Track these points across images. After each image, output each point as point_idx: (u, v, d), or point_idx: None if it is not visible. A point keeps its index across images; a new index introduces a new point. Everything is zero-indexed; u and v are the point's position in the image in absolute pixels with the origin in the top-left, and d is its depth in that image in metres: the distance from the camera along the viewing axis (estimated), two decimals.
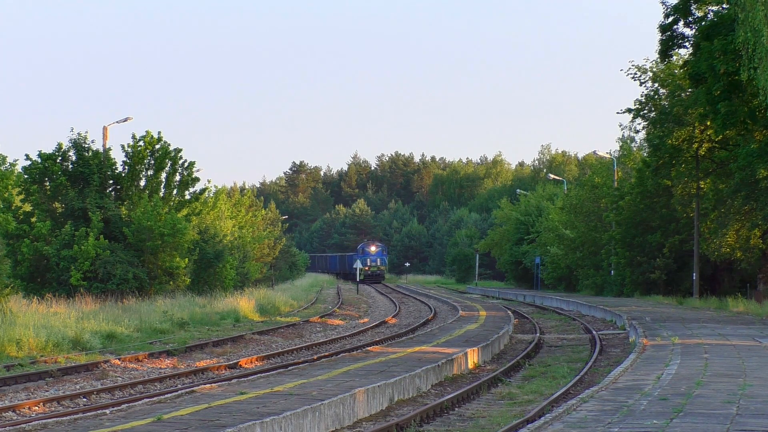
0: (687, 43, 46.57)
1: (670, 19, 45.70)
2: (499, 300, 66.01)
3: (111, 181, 46.59)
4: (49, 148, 44.95)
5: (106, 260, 42.62)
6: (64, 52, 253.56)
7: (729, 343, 25.08)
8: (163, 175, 47.51)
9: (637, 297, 56.25)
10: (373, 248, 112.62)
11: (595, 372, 23.17)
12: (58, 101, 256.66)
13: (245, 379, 19.73)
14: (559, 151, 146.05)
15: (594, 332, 34.38)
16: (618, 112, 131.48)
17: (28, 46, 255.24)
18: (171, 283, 45.57)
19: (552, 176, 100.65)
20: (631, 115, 54.61)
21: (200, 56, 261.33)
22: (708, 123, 46.12)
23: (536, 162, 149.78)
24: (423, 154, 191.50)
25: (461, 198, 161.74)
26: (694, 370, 18.86)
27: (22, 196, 45.17)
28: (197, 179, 48.63)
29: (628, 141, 72.71)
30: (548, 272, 76.00)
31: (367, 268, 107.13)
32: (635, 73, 54.06)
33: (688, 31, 46.23)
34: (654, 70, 53.96)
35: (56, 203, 45.00)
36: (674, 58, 50.82)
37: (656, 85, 54.02)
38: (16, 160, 55.23)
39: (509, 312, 46.39)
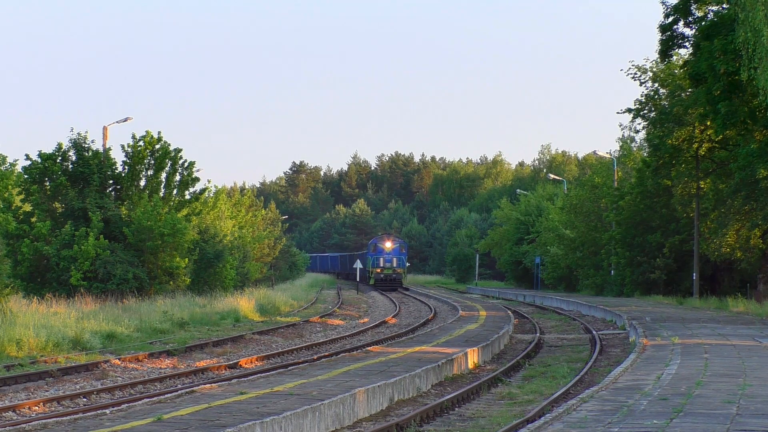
0: (687, 43, 46.61)
1: (670, 19, 45.72)
2: (499, 300, 65.99)
3: (111, 181, 46.59)
4: (49, 148, 45.03)
5: (106, 260, 42.62)
6: (64, 52, 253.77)
7: (729, 343, 25.08)
8: (163, 175, 47.50)
9: (637, 297, 56.25)
10: (388, 244, 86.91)
11: (595, 372, 23.16)
12: (58, 101, 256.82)
13: (245, 379, 19.72)
14: (559, 151, 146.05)
15: (594, 332, 34.38)
16: (618, 112, 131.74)
17: (28, 45, 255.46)
18: (171, 283, 45.56)
19: (552, 176, 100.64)
20: (631, 115, 54.70)
21: (200, 56, 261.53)
22: (708, 123, 46.12)
23: (536, 162, 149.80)
24: (423, 154, 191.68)
25: (461, 198, 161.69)
26: (694, 370, 18.86)
27: (22, 196, 45.16)
28: (197, 179, 48.64)
29: (628, 141, 72.77)
30: (548, 272, 76.02)
31: (379, 270, 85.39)
32: (635, 73, 54.16)
33: (688, 31, 46.31)
34: (654, 70, 54.00)
35: (56, 203, 44.99)
36: (674, 58, 50.85)
37: (656, 85, 54.07)
38: (16, 160, 55.32)
39: (509, 312, 46.39)
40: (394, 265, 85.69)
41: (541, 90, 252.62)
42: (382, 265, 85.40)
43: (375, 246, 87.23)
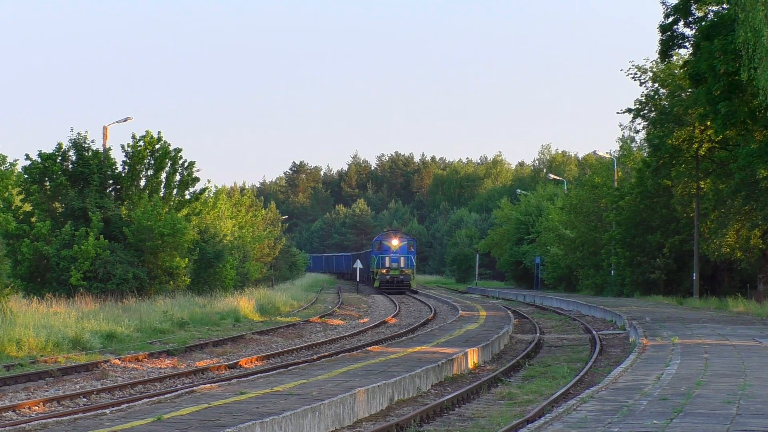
0: (687, 43, 46.59)
1: (670, 19, 45.71)
2: (499, 300, 65.98)
3: (111, 181, 46.56)
4: (49, 148, 44.97)
5: (106, 260, 42.61)
6: (64, 51, 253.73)
7: (729, 343, 25.08)
8: (163, 175, 47.46)
9: (637, 297, 56.26)
10: (395, 242, 76.74)
11: (595, 372, 23.16)
12: (58, 101, 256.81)
13: (245, 379, 19.72)
14: (559, 151, 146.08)
15: (594, 332, 34.38)
16: (618, 112, 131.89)
17: (28, 46, 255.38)
18: (171, 283, 45.55)
19: (552, 176, 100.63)
20: (631, 115, 54.73)
21: (200, 56, 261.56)
22: (708, 123, 46.11)
23: (536, 162, 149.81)
24: (423, 154, 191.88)
25: (461, 198, 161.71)
26: (694, 370, 18.86)
27: (22, 196, 45.14)
28: (197, 179, 48.61)
29: (628, 141, 72.73)
30: (548, 272, 76.00)
31: (385, 271, 75.88)
32: (635, 73, 54.17)
33: (688, 31, 46.28)
34: (654, 70, 54.00)
35: (56, 203, 44.96)
36: (674, 58, 50.85)
37: (656, 85, 54.08)
38: (16, 160, 55.24)
39: (509, 312, 46.38)
40: (402, 265, 76.04)
41: (541, 90, 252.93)
42: (388, 265, 76.08)
43: (380, 244, 77.63)
